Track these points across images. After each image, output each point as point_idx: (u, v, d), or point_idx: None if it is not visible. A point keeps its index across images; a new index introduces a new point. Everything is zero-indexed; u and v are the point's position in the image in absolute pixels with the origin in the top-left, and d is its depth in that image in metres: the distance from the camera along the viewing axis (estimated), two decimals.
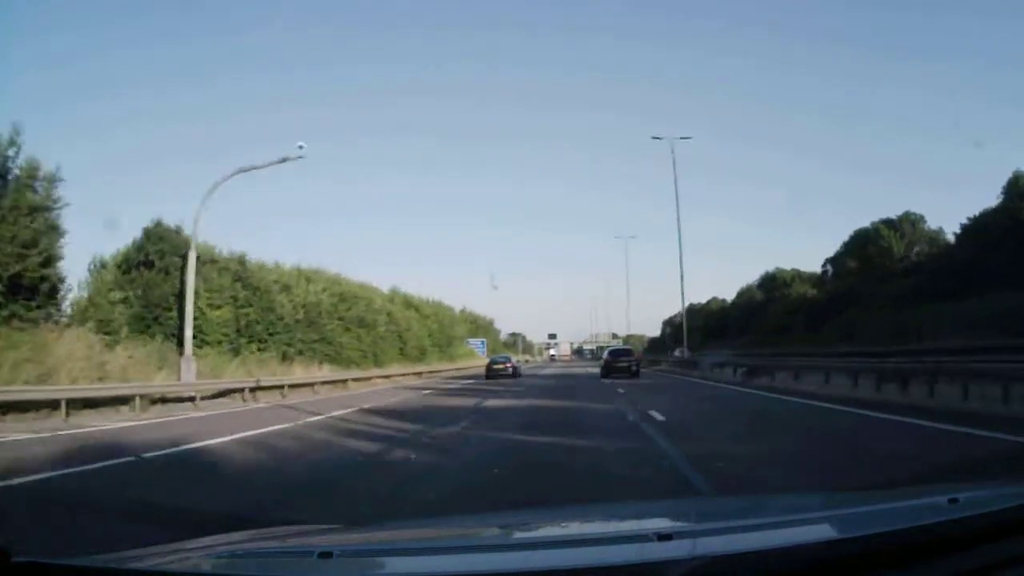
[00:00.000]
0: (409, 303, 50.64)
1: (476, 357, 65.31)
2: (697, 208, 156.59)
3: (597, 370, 36.86)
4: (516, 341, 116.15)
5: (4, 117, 50.61)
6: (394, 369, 36.72)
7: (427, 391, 24.86)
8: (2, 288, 17.57)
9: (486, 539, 2.30)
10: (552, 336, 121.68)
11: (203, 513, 5.20)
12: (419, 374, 39.59)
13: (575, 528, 2.49)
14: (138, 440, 10.32)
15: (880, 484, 5.18)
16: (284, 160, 20.71)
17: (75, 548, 2.73)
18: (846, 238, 51.19)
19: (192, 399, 18.55)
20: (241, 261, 27.99)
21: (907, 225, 47.57)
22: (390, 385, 30.23)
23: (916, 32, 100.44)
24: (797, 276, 60.68)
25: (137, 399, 16.44)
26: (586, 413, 14.13)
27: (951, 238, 41.17)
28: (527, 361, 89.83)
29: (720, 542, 1.90)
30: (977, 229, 35.90)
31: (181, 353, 20.53)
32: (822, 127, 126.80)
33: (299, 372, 26.13)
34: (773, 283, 63.34)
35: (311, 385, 24.74)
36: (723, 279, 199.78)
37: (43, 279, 20.22)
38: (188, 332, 20.52)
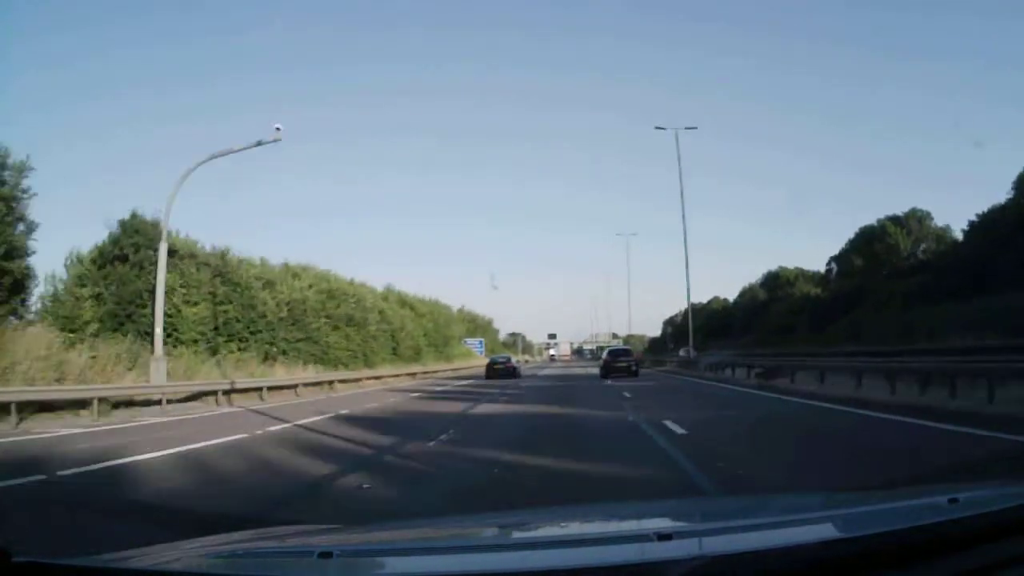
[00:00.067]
0: (404, 301, 49.43)
1: (474, 357, 64.38)
2: (698, 207, 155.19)
3: (597, 370, 35.78)
4: (516, 341, 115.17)
5: (4, 117, 49.49)
6: (386, 370, 35.49)
7: (416, 394, 23.67)
8: None
9: (486, 539, 2.30)
10: (552, 336, 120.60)
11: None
12: (413, 375, 38.45)
13: (575, 528, 2.47)
14: (69, 452, 9.15)
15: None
16: (259, 143, 19.55)
17: (75, 548, 2.45)
18: (851, 235, 50.40)
19: (159, 402, 17.37)
20: (223, 256, 26.74)
21: (913, 222, 46.61)
22: (380, 387, 29.01)
23: (916, 32, 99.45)
24: (801, 275, 59.77)
25: (95, 402, 15.25)
26: (591, 424, 12.17)
27: (959, 235, 40.23)
28: (527, 361, 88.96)
29: (720, 542, 1.89)
30: (986, 226, 34.98)
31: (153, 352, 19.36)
32: (822, 127, 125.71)
33: (281, 373, 24.88)
34: (776, 282, 62.41)
35: (294, 387, 23.56)
36: (724, 279, 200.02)
37: (4, 273, 19.11)
38: (158, 330, 19.32)
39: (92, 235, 38.15)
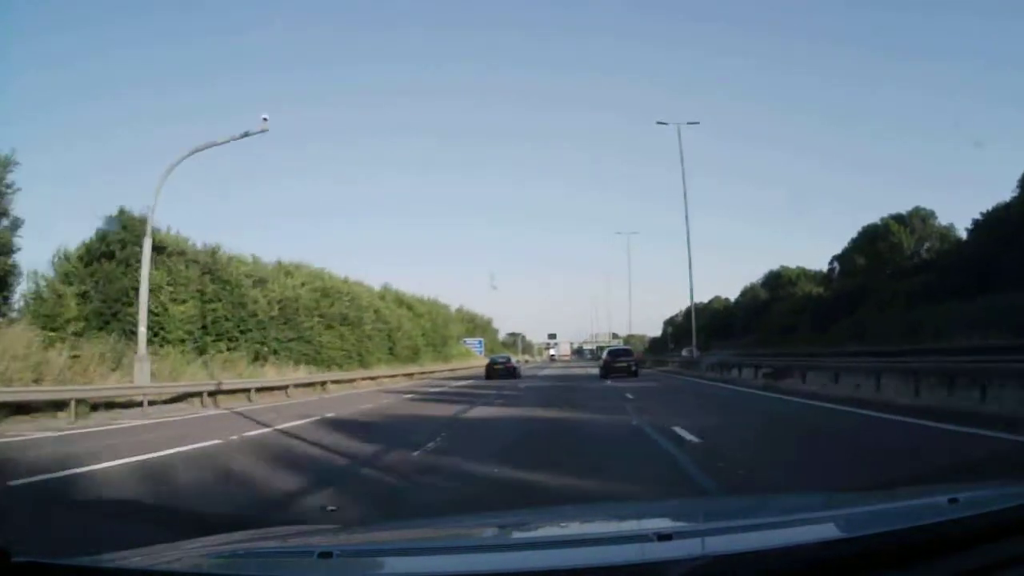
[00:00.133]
0: (401, 300, 48.81)
1: (473, 357, 63.86)
2: (698, 207, 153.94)
3: (597, 370, 35.20)
4: (515, 341, 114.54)
5: (4, 117, 48.99)
6: (382, 370, 34.87)
7: (410, 395, 23.06)
8: None
9: (486, 539, 2.29)
10: (552, 336, 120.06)
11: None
12: (410, 375, 37.85)
13: (575, 528, 2.47)
14: (31, 459, 8.59)
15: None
16: (246, 135, 18.91)
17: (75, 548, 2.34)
18: (853, 234, 49.95)
19: (141, 404, 16.80)
20: (213, 253, 26.13)
21: (917, 221, 46.09)
22: (375, 388, 28.40)
23: (916, 32, 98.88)
24: (803, 274, 59.26)
25: (73, 404, 14.69)
26: (595, 430, 11.23)
27: (963, 234, 39.74)
28: (526, 361, 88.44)
29: (720, 542, 1.88)
30: (990, 224, 34.56)
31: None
32: (822, 127, 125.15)
33: (271, 374, 24.26)
34: (778, 281, 61.90)
35: (284, 388, 22.97)
36: (724, 278, 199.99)
37: None
38: (142, 329, 18.73)
39: (82, 233, 37.74)
